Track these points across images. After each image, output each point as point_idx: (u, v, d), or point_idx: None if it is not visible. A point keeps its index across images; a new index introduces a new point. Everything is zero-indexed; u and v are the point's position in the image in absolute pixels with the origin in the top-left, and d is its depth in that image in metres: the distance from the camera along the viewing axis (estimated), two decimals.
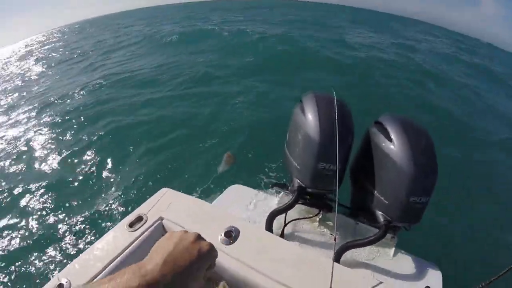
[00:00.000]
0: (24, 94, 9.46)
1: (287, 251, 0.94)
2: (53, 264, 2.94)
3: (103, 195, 3.88)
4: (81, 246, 3.12)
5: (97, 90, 8.30)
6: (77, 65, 12.35)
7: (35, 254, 3.09)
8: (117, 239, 0.99)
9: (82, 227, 3.39)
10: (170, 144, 4.93)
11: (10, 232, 3.46)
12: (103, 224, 3.38)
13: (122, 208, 3.56)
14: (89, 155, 4.85)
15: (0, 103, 8.99)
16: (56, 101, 7.85)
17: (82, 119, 6.23)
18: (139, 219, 1.06)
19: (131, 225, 1.03)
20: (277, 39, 12.40)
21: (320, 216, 1.62)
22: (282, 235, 1.55)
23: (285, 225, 1.56)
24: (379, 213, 1.33)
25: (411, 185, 1.20)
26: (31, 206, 3.86)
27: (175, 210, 1.09)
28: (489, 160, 5.19)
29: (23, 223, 3.57)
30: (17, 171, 4.74)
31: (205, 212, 1.09)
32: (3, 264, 3.01)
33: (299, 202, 1.49)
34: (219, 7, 35.84)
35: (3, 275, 2.90)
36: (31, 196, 4.03)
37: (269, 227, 1.48)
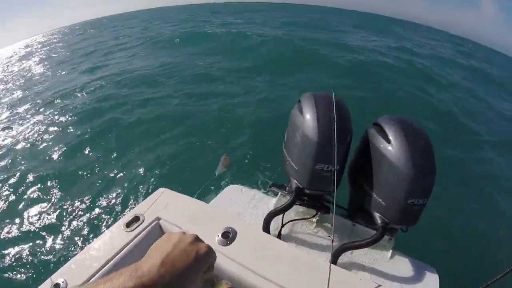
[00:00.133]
0: (26, 93, 9.49)
1: (284, 252, 0.94)
2: (49, 264, 2.93)
3: (100, 194, 3.87)
4: (77, 245, 3.11)
5: (97, 90, 8.33)
6: (77, 65, 12.37)
7: (31, 253, 3.08)
8: (113, 239, 0.99)
9: (78, 227, 3.38)
10: (169, 144, 4.93)
11: (6, 230, 3.45)
12: (99, 224, 3.37)
13: (119, 208, 3.56)
14: (87, 154, 4.86)
15: (3, 101, 9.01)
16: (56, 100, 7.87)
17: (81, 119, 6.24)
18: (136, 219, 1.05)
19: (128, 225, 1.03)
20: (276, 41, 12.46)
21: (318, 217, 1.61)
22: (279, 236, 1.54)
23: (283, 226, 1.55)
24: (377, 215, 1.32)
25: (409, 187, 1.19)
26: (27, 204, 3.85)
27: (172, 210, 1.09)
28: (487, 161, 5.22)
29: (19, 222, 3.57)
30: (15, 170, 4.73)
31: (203, 212, 1.09)
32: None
33: (297, 203, 1.48)
34: (219, 9, 35.99)
35: None
36: (29, 194, 4.03)
37: (266, 228, 1.48)
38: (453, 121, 6.75)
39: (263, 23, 19.98)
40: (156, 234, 1.04)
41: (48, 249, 3.12)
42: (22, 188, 4.19)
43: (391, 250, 1.49)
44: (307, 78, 8.50)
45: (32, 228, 3.46)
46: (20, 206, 3.84)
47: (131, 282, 0.42)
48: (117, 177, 4.20)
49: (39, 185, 4.18)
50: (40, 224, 3.50)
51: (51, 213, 3.65)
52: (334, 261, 1.36)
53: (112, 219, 3.40)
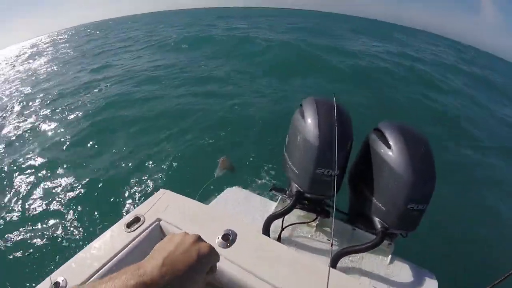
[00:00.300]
0: (33, 90, 9.63)
1: (284, 255, 0.94)
2: (50, 262, 2.93)
3: (100, 194, 3.89)
4: (78, 245, 3.12)
5: (102, 90, 8.47)
6: (86, 65, 12.59)
7: (32, 251, 3.10)
8: (114, 239, 0.99)
9: (79, 226, 3.39)
10: (171, 144, 4.97)
11: (7, 228, 3.47)
12: (100, 224, 3.38)
13: (119, 208, 3.57)
14: (89, 153, 4.89)
15: (14, 96, 9.13)
16: (59, 99, 7.99)
17: (82, 119, 6.30)
18: (137, 219, 1.06)
19: (128, 225, 1.04)
20: (282, 45, 12.58)
21: (318, 222, 1.61)
22: (279, 239, 1.54)
23: (282, 229, 1.55)
24: (377, 220, 1.32)
25: (409, 192, 1.20)
26: (28, 203, 3.87)
27: (172, 211, 1.10)
28: (488, 167, 5.23)
29: (20, 220, 3.59)
30: (16, 167, 4.76)
31: (203, 214, 1.09)
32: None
33: (297, 206, 1.49)
34: (224, 14, 36.28)
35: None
36: (29, 193, 4.06)
37: (266, 231, 1.48)
38: (454, 127, 6.78)
39: (269, 28, 20.14)
40: (157, 235, 1.05)
41: (48, 247, 3.13)
42: (22, 187, 4.21)
43: (390, 255, 1.48)
44: (310, 82, 8.56)
45: (33, 226, 3.47)
46: (21, 205, 3.86)
47: (133, 281, 0.43)
48: (118, 177, 4.21)
49: (40, 184, 4.20)
50: (40, 223, 3.51)
51: (52, 211, 3.67)
52: (333, 265, 1.35)
53: (112, 219, 3.40)
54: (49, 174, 4.45)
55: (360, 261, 1.49)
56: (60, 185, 4.14)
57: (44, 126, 6.27)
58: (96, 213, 3.56)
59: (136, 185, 3.99)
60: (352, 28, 25.96)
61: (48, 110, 7.23)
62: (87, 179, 4.21)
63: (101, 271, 0.88)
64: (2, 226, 3.52)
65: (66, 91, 8.70)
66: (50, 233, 3.32)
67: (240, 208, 1.76)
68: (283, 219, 1.54)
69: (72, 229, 3.36)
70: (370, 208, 1.35)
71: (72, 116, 6.58)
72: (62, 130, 5.98)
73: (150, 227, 1.04)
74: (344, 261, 1.44)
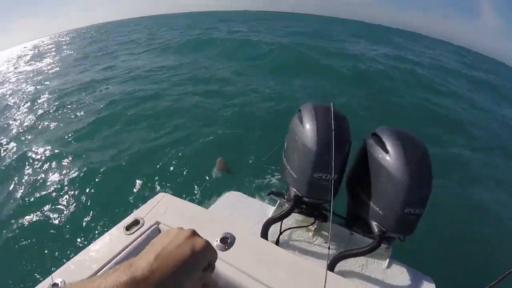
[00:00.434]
0: (35, 89, 9.68)
1: (282, 258, 0.94)
2: (48, 264, 2.93)
3: (100, 197, 3.90)
4: (77, 247, 3.12)
5: (102, 91, 8.48)
6: (89, 67, 12.66)
7: (30, 252, 3.10)
8: (113, 241, 1.00)
9: (78, 228, 3.39)
10: (169, 144, 4.98)
11: (5, 228, 3.46)
12: (99, 226, 3.38)
13: (119, 211, 3.57)
14: (87, 154, 4.90)
15: (19, 95, 9.19)
16: (61, 98, 8.03)
17: (84, 119, 6.31)
18: (136, 222, 1.06)
19: (127, 228, 1.04)
20: (282, 48, 12.64)
21: (316, 226, 1.62)
22: (277, 243, 1.55)
23: (281, 233, 1.56)
24: (374, 224, 1.34)
25: (406, 196, 1.21)
26: (28, 202, 3.88)
27: (171, 214, 1.10)
28: (488, 169, 5.26)
29: (19, 221, 3.58)
30: (18, 166, 4.77)
31: (202, 217, 1.10)
32: None
33: (295, 211, 1.50)
34: (224, 17, 36.49)
35: None
36: (30, 192, 4.06)
37: (264, 235, 1.49)
38: (454, 128, 6.80)
39: (268, 31, 20.26)
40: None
41: (47, 249, 3.13)
42: (22, 186, 4.21)
43: (388, 259, 1.49)
44: (310, 84, 8.61)
45: (32, 227, 3.47)
46: (20, 205, 3.86)
47: (125, 277, 0.42)
48: (118, 178, 4.23)
49: (39, 186, 4.21)
50: (39, 224, 3.51)
51: (51, 213, 3.66)
52: (331, 268, 1.36)
53: (112, 221, 3.40)
54: (48, 176, 4.46)
55: (358, 265, 1.50)
56: (59, 187, 4.15)
57: (43, 127, 6.30)
58: (95, 215, 3.56)
59: (136, 186, 4.00)
60: (351, 31, 26.12)
61: (49, 110, 7.27)
62: (86, 181, 4.22)
63: (99, 273, 0.89)
64: (1, 227, 3.52)
65: (68, 91, 8.77)
66: (49, 235, 3.32)
67: (239, 212, 1.77)
68: (282, 223, 1.54)
69: (71, 231, 3.36)
70: (368, 212, 1.36)
71: (72, 117, 6.61)
72: (62, 129, 6.00)
73: (149, 230, 1.05)
74: (342, 265, 1.45)
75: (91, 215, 3.56)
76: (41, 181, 4.32)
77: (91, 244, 0.99)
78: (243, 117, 6.07)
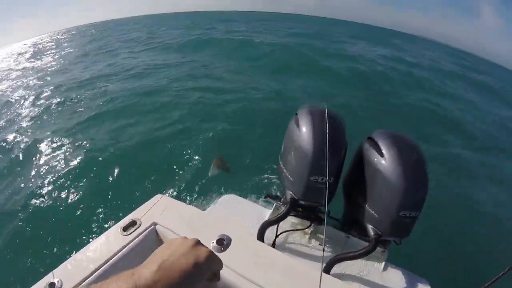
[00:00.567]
0: (37, 86, 9.63)
1: (278, 261, 0.95)
2: (45, 263, 2.93)
3: (98, 197, 3.88)
4: (74, 246, 3.11)
5: (101, 90, 8.44)
6: (90, 64, 12.62)
7: (27, 252, 3.09)
8: (110, 242, 1.00)
9: (76, 228, 3.39)
10: (169, 144, 4.98)
11: (2, 228, 3.46)
12: (96, 227, 3.38)
13: (116, 212, 3.57)
14: (86, 154, 4.88)
15: (21, 91, 9.18)
16: (61, 95, 8.00)
17: (85, 119, 6.29)
18: (133, 223, 1.07)
19: (124, 229, 1.05)
20: (283, 49, 12.66)
21: (312, 229, 1.63)
22: (273, 245, 1.56)
23: (277, 236, 1.57)
24: (370, 227, 1.34)
25: (401, 200, 1.22)
26: (27, 202, 3.86)
27: (168, 216, 1.11)
28: (487, 167, 5.27)
29: (17, 219, 3.57)
30: (17, 167, 4.76)
31: (198, 219, 1.10)
32: None
33: (292, 214, 1.50)
34: (224, 17, 36.47)
35: None
36: (25, 192, 4.05)
37: (261, 237, 1.49)
38: (450, 130, 6.84)
39: (266, 31, 20.26)
40: (152, 239, 1.06)
41: (44, 248, 3.12)
42: (21, 186, 4.20)
43: (384, 262, 1.50)
44: (311, 85, 8.62)
45: (28, 227, 3.46)
46: (18, 204, 3.85)
47: (126, 286, 0.42)
48: (116, 180, 4.21)
49: (38, 185, 4.19)
50: (36, 224, 3.50)
51: (48, 213, 3.66)
52: (327, 271, 1.37)
53: (109, 222, 3.41)
54: (46, 175, 4.44)
55: (354, 267, 1.50)
56: (57, 186, 4.14)
57: (40, 125, 6.29)
58: (92, 215, 3.55)
59: (134, 185, 4.00)
60: (351, 33, 26.16)
61: (48, 107, 7.27)
62: (84, 180, 4.22)
63: (96, 273, 0.89)
64: None
65: (68, 87, 8.78)
66: (46, 235, 3.31)
67: (235, 215, 1.78)
68: (278, 225, 1.55)
69: (68, 230, 3.36)
70: (364, 216, 1.37)
71: (70, 114, 6.62)
72: (60, 127, 5.98)
73: (146, 231, 1.05)
74: (338, 268, 1.46)
75: (88, 215, 3.56)
76: (38, 180, 4.31)
77: (88, 244, 1.00)
78: (244, 114, 6.08)
